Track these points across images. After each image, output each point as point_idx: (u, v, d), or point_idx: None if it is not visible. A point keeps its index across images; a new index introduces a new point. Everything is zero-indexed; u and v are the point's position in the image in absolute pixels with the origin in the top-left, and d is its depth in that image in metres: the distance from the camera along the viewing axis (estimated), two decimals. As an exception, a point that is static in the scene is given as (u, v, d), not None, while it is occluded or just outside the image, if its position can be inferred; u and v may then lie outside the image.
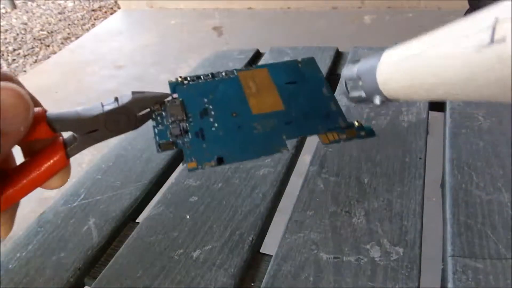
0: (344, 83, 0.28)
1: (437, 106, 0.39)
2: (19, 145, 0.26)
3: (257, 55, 0.53)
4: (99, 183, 0.33)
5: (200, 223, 0.29)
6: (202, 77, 0.29)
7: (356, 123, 0.27)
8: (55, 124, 0.23)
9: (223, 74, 0.29)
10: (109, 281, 0.25)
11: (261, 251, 0.28)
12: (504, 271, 0.23)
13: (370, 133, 0.27)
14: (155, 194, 0.34)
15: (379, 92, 0.24)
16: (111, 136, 0.24)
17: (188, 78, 0.28)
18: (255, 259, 0.27)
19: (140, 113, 0.25)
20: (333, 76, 0.46)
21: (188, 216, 0.29)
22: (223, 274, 0.25)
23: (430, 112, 0.37)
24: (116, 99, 0.24)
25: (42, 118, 0.22)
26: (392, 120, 0.36)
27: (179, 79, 0.28)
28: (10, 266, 0.27)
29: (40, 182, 0.23)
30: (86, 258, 0.27)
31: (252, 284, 0.25)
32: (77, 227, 0.30)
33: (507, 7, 0.15)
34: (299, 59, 0.32)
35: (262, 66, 0.31)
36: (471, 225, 0.26)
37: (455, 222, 0.26)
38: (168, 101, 0.26)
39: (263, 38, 1.71)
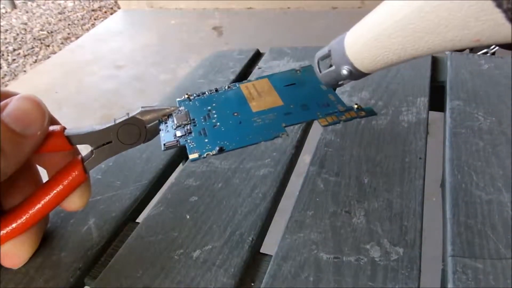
0: (316, 64, 0.28)
1: (437, 106, 0.39)
2: (43, 166, 0.27)
3: (257, 55, 0.53)
4: (99, 183, 0.33)
5: (200, 223, 0.29)
6: (207, 92, 0.31)
7: (356, 106, 0.28)
8: (72, 137, 0.25)
9: (226, 87, 0.32)
10: (109, 281, 0.25)
11: (261, 251, 0.28)
12: (504, 271, 0.23)
13: (370, 112, 0.28)
14: (155, 194, 0.34)
15: (346, 60, 0.24)
16: (125, 149, 0.27)
17: (194, 95, 0.31)
18: (255, 259, 0.27)
19: (150, 125, 0.27)
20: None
21: (188, 216, 0.29)
22: (223, 274, 0.25)
23: (430, 112, 0.37)
24: (127, 114, 0.26)
25: (60, 132, 0.25)
26: (392, 120, 0.36)
27: (186, 96, 0.31)
28: (10, 266, 0.27)
29: (61, 197, 0.25)
30: (86, 258, 0.27)
31: (252, 284, 0.25)
32: (77, 227, 0.30)
33: None
34: (298, 68, 0.33)
35: (263, 77, 0.32)
36: (471, 225, 0.26)
37: (455, 222, 0.26)
38: (175, 112, 0.28)
39: (263, 38, 1.71)
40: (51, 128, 0.25)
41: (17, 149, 0.22)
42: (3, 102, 0.23)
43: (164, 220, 0.29)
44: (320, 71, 0.28)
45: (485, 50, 1.01)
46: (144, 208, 0.33)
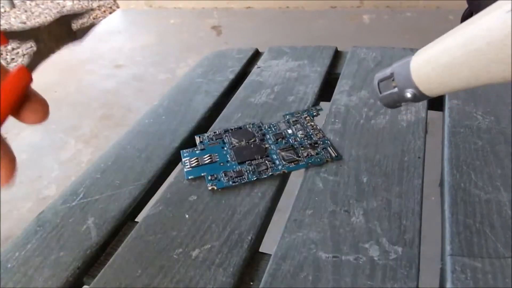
0: (376, 85, 0.28)
1: (436, 105, 0.39)
2: None
3: (256, 54, 0.53)
4: (98, 183, 0.33)
5: (199, 223, 0.29)
6: None
7: None
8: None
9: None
10: (108, 280, 0.25)
11: (260, 250, 0.28)
12: (502, 270, 0.23)
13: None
14: (154, 194, 0.34)
15: (411, 84, 0.24)
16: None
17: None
18: (254, 258, 0.27)
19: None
20: (332, 75, 0.46)
21: (187, 216, 0.29)
22: (222, 273, 0.25)
23: (428, 111, 0.37)
24: None
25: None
26: (391, 119, 0.36)
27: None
28: (9, 265, 0.27)
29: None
30: (85, 257, 0.27)
31: (251, 283, 0.25)
32: (76, 227, 0.30)
33: None
34: None
35: None
36: (470, 224, 0.26)
37: (454, 221, 0.26)
38: None
39: (262, 38, 1.71)
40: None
41: None
42: None
43: (163, 219, 0.29)
44: (381, 92, 0.27)
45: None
46: (143, 208, 0.33)
